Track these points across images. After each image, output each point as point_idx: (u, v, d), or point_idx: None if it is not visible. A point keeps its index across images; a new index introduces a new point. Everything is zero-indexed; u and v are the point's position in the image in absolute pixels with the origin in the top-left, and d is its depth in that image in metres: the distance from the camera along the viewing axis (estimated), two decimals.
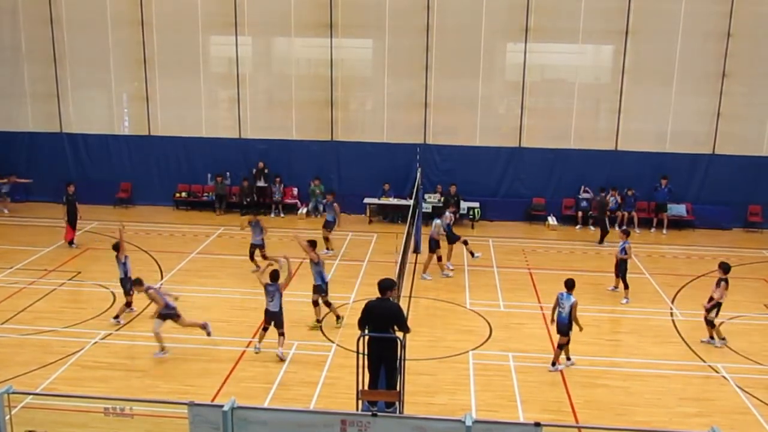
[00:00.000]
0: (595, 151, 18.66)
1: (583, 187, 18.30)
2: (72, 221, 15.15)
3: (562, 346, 10.09)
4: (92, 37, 19.47)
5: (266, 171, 19.27)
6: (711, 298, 10.70)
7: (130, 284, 11.10)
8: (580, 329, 10.08)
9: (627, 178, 18.46)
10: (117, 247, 11.20)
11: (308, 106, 19.47)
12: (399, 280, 9.72)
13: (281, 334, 10.24)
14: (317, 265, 11.22)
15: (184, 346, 10.69)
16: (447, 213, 14.39)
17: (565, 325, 10.08)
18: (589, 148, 18.63)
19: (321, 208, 18.93)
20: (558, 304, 10.21)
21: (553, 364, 10.09)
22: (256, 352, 10.38)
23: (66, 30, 19.53)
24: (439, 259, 14.01)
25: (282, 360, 10.15)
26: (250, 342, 10.72)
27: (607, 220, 16.95)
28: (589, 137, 18.74)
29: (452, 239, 14.34)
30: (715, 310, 10.69)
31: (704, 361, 10.45)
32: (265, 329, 10.37)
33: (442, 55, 18.85)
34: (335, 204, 13.85)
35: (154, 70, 19.57)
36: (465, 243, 14.40)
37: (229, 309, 12.28)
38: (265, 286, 10.20)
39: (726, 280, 10.60)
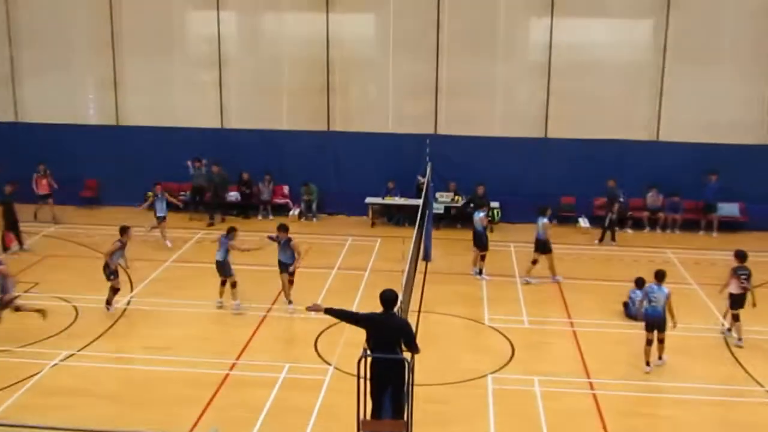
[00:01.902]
0: (633, 142, 18.58)
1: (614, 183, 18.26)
2: (10, 226, 15.26)
3: (655, 342, 10.64)
4: (53, 14, 19.43)
5: (250, 182, 19.25)
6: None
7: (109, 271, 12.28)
8: (674, 326, 10.65)
9: (669, 174, 18.38)
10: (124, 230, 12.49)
11: (301, 92, 19.41)
12: (406, 292, 9.62)
13: (232, 284, 12.66)
14: (285, 245, 12.62)
15: (159, 368, 10.61)
16: (482, 214, 14.53)
17: (660, 319, 10.51)
18: (626, 138, 18.56)
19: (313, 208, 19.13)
20: (648, 297, 10.71)
21: (660, 357, 10.72)
22: (219, 307, 12.60)
23: (22, 5, 19.52)
24: (482, 258, 14.61)
25: (238, 311, 12.29)
26: (234, 363, 10.67)
27: (610, 216, 17.10)
28: (626, 126, 18.65)
29: (482, 243, 14.57)
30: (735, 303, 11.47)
31: (762, 386, 10.33)
32: (222, 283, 12.74)
33: (455, 33, 18.80)
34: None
35: (123, 50, 19.53)
36: (482, 258, 14.51)
37: (210, 324, 12.25)
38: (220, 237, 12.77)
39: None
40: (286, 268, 12.74)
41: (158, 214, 15.73)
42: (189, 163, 18.80)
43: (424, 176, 15.89)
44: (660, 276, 10.77)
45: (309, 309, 8.31)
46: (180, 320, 12.35)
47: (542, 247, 14.59)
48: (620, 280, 14.27)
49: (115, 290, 12.23)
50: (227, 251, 12.70)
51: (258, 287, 13.78)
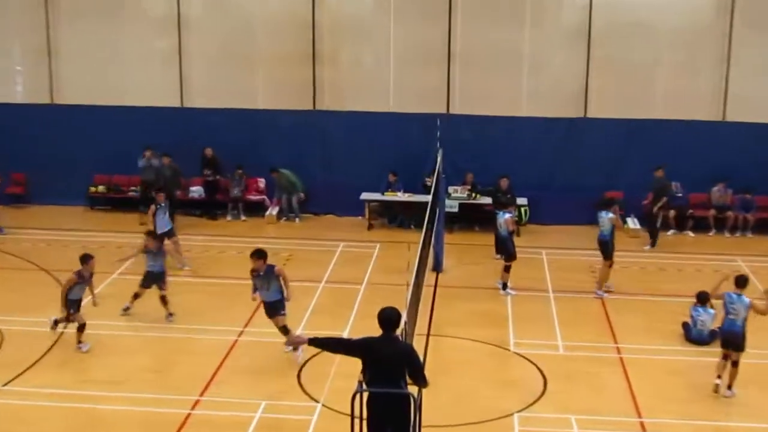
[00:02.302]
0: (693, 123, 18.63)
1: (675, 184, 18.28)
2: None
3: (736, 364, 10.66)
4: None
5: (217, 161, 19.36)
6: None
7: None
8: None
9: (739, 163, 18.37)
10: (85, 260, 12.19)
11: (280, 62, 19.45)
12: (412, 311, 9.60)
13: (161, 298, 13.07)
14: (267, 276, 11.64)
15: (103, 407, 10.55)
16: (507, 215, 14.54)
17: (739, 337, 10.57)
18: (684, 118, 18.62)
19: (294, 202, 19.19)
20: (727, 309, 10.66)
21: (729, 387, 10.76)
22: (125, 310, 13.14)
23: None
24: (506, 269, 14.67)
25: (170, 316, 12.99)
26: (197, 401, 10.63)
27: (658, 214, 17.25)
28: (683, 104, 18.71)
29: (507, 251, 14.60)
30: None
31: None
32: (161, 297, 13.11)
33: None
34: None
35: (59, 12, 19.50)
36: (506, 269, 14.62)
37: (166, 352, 12.21)
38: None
39: None
40: (276, 309, 11.69)
41: (161, 230, 14.88)
42: (147, 154, 18.84)
43: (432, 176, 15.90)
44: (741, 282, 10.78)
45: (289, 343, 8.27)
46: (129, 347, 12.29)
47: (605, 251, 14.53)
48: (678, 295, 14.32)
49: (81, 327, 11.96)
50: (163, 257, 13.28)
51: (226, 305, 13.83)
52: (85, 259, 12.00)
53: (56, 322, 12.11)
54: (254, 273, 11.68)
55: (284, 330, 11.62)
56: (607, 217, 14.45)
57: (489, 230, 17.20)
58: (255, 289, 11.83)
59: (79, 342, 11.97)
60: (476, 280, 15.45)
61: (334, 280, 15.32)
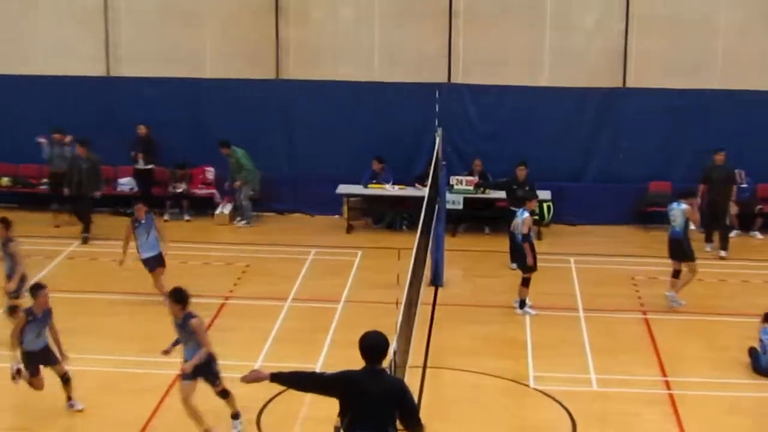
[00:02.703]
0: (761, 95, 18.70)
1: (738, 172, 18.25)
2: None
3: None
4: None
5: (152, 143, 19.37)
6: None
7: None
8: None
9: None
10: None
11: (234, 18, 19.50)
12: (403, 336, 9.57)
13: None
14: (185, 326, 10.55)
15: None
16: (526, 214, 14.48)
17: None
18: (748, 88, 18.69)
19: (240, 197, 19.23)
20: None
21: None
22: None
23: None
24: (524, 283, 14.64)
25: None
26: None
27: (731, 214, 17.48)
28: (748, 71, 18.76)
29: (523, 262, 14.63)
30: None
31: None
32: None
33: None
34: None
35: None
36: (524, 283, 14.60)
37: (92, 391, 12.09)
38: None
39: None
40: (207, 373, 10.58)
41: (145, 255, 14.42)
42: (42, 139, 18.69)
43: (428, 167, 15.92)
44: None
45: (245, 380, 8.12)
46: (47, 385, 12.16)
47: (679, 250, 14.64)
48: (744, 314, 14.36)
49: (65, 380, 11.36)
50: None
51: (165, 330, 13.69)
52: (35, 291, 11.18)
53: (19, 372, 11.24)
54: (182, 326, 10.56)
55: (223, 394, 10.74)
56: (679, 208, 14.51)
57: (502, 233, 17.17)
58: (175, 342, 10.76)
59: (69, 399, 11.45)
60: (486, 296, 15.46)
61: (303, 298, 15.31)
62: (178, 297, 10.39)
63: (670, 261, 14.96)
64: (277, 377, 7.77)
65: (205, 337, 10.51)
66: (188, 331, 10.41)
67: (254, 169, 18.99)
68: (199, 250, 17.51)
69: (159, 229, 14.64)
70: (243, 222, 19.11)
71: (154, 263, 14.45)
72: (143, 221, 14.46)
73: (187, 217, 19.27)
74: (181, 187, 19.40)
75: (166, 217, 19.24)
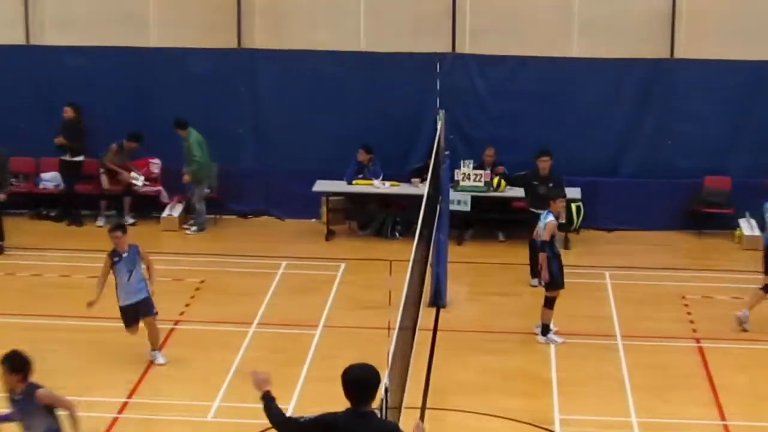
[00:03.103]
0: None
1: None
2: None
3: None
4: None
5: (80, 127, 19.40)
6: None
7: None
8: None
9: None
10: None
11: None
12: (397, 370, 9.62)
13: None
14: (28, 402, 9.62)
15: None
16: (551, 217, 14.42)
17: None
18: None
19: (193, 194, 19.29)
20: None
21: None
22: None
23: None
24: (548, 303, 14.56)
25: None
26: None
27: None
28: None
29: (549, 273, 14.62)
30: None
31: None
32: None
33: None
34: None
35: None
36: (547, 304, 14.64)
37: None
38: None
39: None
40: None
41: (124, 301, 13.36)
42: None
43: (429, 159, 15.98)
44: None
45: (254, 375, 8.19)
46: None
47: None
48: None
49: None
50: None
51: (104, 365, 13.84)
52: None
53: None
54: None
55: None
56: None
57: (521, 240, 17.27)
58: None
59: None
60: (500, 319, 15.47)
61: (272, 322, 15.31)
62: (17, 365, 9.46)
63: (762, 276, 14.90)
64: (266, 402, 7.87)
65: (66, 399, 9.72)
66: (33, 406, 9.49)
67: (208, 161, 18.95)
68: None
69: (149, 264, 13.52)
70: (195, 228, 19.15)
71: (137, 313, 13.36)
72: (125, 254, 13.22)
73: (130, 220, 19.23)
74: (138, 180, 19.49)
75: (99, 221, 19.26)
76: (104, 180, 19.40)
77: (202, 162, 18.85)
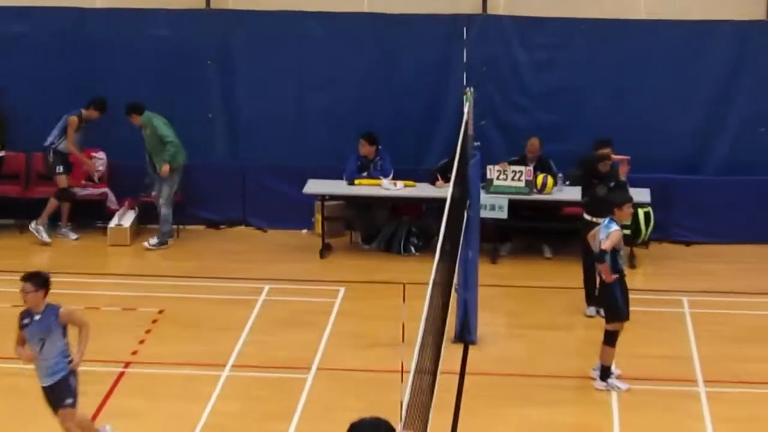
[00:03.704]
0: None
1: None
2: None
3: None
4: None
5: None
6: None
7: None
8: None
9: None
10: None
11: None
12: (416, 422, 9.47)
13: None
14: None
15: None
16: (614, 227, 14.23)
17: None
18: None
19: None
20: None
21: None
22: None
23: None
24: (609, 339, 14.44)
25: None
26: None
27: None
28: None
29: (610, 300, 14.53)
30: None
31: None
32: None
33: None
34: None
35: None
36: (608, 340, 14.39)
37: None
38: None
39: None
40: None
41: (42, 380, 12.19)
42: None
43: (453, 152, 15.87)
44: None
45: None
46: None
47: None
48: None
49: None
50: None
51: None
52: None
53: None
54: None
55: None
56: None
57: (573, 257, 17.19)
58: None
59: None
60: (546, 360, 15.46)
61: (251, 363, 15.28)
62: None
63: None
64: None
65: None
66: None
67: (180, 145, 19.05)
68: (84, 286, 17.53)
69: (81, 327, 12.20)
70: (156, 240, 19.16)
71: (50, 401, 12.24)
72: (37, 316, 11.95)
73: (73, 236, 19.42)
74: (97, 172, 19.58)
75: (43, 237, 19.32)
76: (62, 178, 19.31)
77: (177, 143, 18.91)
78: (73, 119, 19.00)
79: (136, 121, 18.78)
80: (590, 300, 16.02)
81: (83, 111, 19.04)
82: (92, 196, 19.75)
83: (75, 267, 18.26)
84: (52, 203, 19.22)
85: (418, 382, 9.78)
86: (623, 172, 16.42)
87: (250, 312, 16.73)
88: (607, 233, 14.27)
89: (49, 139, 19.14)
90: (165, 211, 19.10)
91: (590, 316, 16.05)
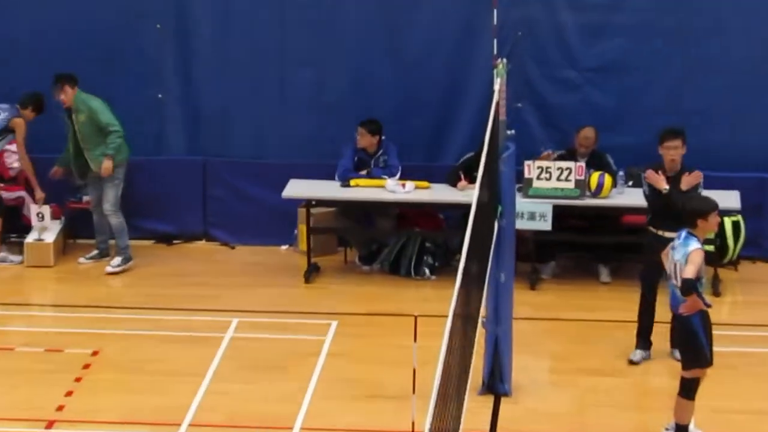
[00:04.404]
0: None
1: None
2: None
3: None
4: None
5: None
6: None
7: None
8: None
9: None
10: None
11: None
12: None
13: None
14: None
15: None
16: (694, 243, 14.20)
17: None
18: None
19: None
20: None
21: None
22: None
23: None
24: (686, 390, 14.39)
25: None
26: None
27: None
28: None
29: (690, 340, 14.48)
30: None
31: None
32: None
33: None
34: None
35: None
36: (685, 390, 14.36)
37: None
38: None
39: None
40: None
41: None
42: None
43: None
44: None
45: None
46: None
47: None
48: None
49: None
50: None
51: None
52: None
53: None
54: None
55: None
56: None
57: (636, 281, 17.16)
58: None
59: None
60: (600, 415, 15.42)
61: (214, 422, 15.25)
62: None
63: None
64: None
65: None
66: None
67: (123, 137, 19.15)
68: None
69: None
70: (118, 261, 19.31)
71: None
72: None
73: (14, 260, 19.62)
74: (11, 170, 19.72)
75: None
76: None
77: (122, 133, 19.01)
78: (19, 121, 19.42)
79: (66, 97, 18.84)
80: (643, 341, 16.15)
81: (21, 112, 19.41)
82: (6, 201, 19.84)
83: None
84: None
85: None
86: (687, 182, 16.27)
87: (213, 353, 16.70)
88: (685, 253, 14.20)
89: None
90: (116, 220, 19.24)
91: (635, 363, 16.11)
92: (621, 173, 18.67)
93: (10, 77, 19.76)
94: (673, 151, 16.84)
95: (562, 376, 16.40)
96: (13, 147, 19.83)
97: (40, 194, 19.56)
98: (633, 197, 18.03)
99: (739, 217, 18.06)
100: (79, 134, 19.03)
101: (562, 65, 19.36)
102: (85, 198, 19.55)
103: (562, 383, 16.21)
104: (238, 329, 17.40)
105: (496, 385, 15.53)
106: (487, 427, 14.82)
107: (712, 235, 15.42)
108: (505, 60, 15.66)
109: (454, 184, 18.79)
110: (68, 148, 19.29)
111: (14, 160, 19.87)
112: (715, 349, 14.36)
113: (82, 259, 19.40)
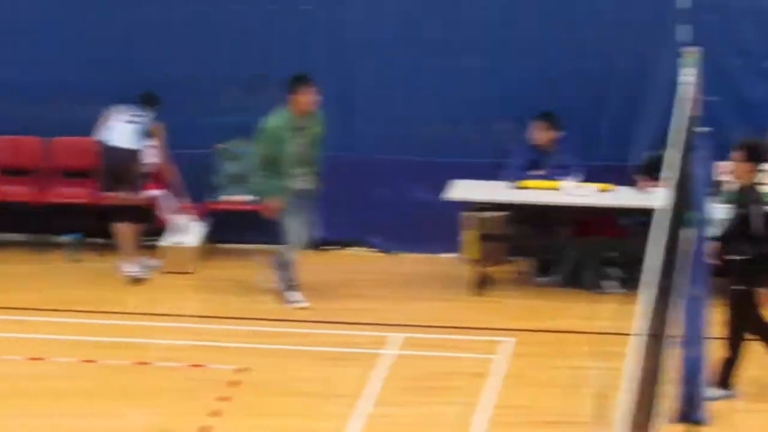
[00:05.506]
0: None
1: None
2: None
3: None
4: None
5: None
6: None
7: None
8: None
9: None
10: None
11: None
12: None
13: None
14: None
15: None
16: None
17: None
18: None
19: None
20: None
21: None
22: None
23: None
24: None
25: None
26: None
27: None
28: None
29: None
30: None
31: None
32: None
33: None
34: None
35: None
36: None
37: None
38: None
39: None
40: None
41: None
42: None
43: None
44: None
45: None
46: None
47: None
48: None
49: None
50: None
51: None
52: None
53: None
54: None
55: None
56: None
57: None
58: None
59: None
60: None
61: None
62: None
63: None
64: None
65: None
66: None
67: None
68: (129, 331, 17.86)
69: None
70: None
71: None
72: None
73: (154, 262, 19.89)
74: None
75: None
76: None
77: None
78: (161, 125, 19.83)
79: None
80: None
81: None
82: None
83: (113, 302, 18.74)
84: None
85: None
86: None
87: (369, 372, 16.78)
88: None
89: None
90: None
91: None
92: None
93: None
94: None
95: (762, 404, 16.32)
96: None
97: (179, 194, 19.93)
98: None
99: None
100: (311, 148, 18.86)
101: (765, 55, 19.26)
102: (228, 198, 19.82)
103: (763, 410, 16.17)
104: (398, 346, 17.51)
105: (692, 413, 15.44)
106: None
107: None
108: (695, 49, 15.75)
109: (634, 185, 18.82)
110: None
111: (147, 157, 20.19)
112: None
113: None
